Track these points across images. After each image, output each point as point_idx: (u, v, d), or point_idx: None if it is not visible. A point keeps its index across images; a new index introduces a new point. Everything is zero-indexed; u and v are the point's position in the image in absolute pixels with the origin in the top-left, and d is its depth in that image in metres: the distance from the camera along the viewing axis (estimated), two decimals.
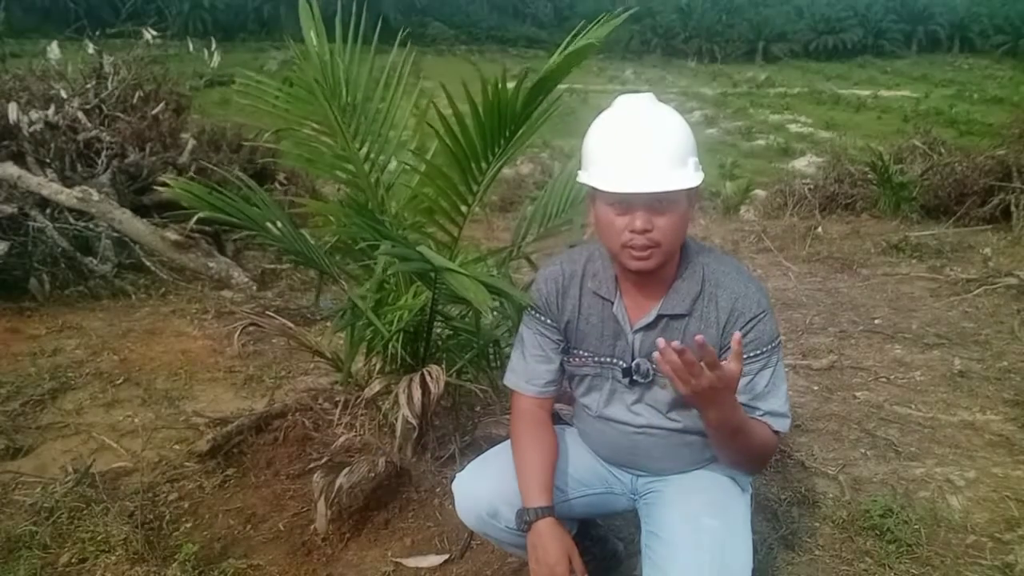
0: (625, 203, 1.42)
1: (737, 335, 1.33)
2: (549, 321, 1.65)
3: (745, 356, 1.49)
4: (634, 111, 1.45)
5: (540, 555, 1.50)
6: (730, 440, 1.48)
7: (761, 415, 1.52)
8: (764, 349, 1.51)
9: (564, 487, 1.68)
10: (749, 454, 1.53)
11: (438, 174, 2.07)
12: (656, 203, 1.40)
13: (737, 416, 1.43)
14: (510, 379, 1.72)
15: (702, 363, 1.29)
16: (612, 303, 1.57)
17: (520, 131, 1.96)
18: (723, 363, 1.32)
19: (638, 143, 1.41)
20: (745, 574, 1.46)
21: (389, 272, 2.17)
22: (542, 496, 1.55)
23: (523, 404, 1.69)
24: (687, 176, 1.41)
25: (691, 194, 1.45)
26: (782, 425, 1.54)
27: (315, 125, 2.38)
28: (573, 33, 1.94)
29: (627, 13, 1.88)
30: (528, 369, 1.68)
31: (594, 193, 1.47)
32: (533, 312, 1.67)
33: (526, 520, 1.53)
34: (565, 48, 1.86)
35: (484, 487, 1.65)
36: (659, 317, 1.53)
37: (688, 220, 1.48)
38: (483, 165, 2.02)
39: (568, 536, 1.54)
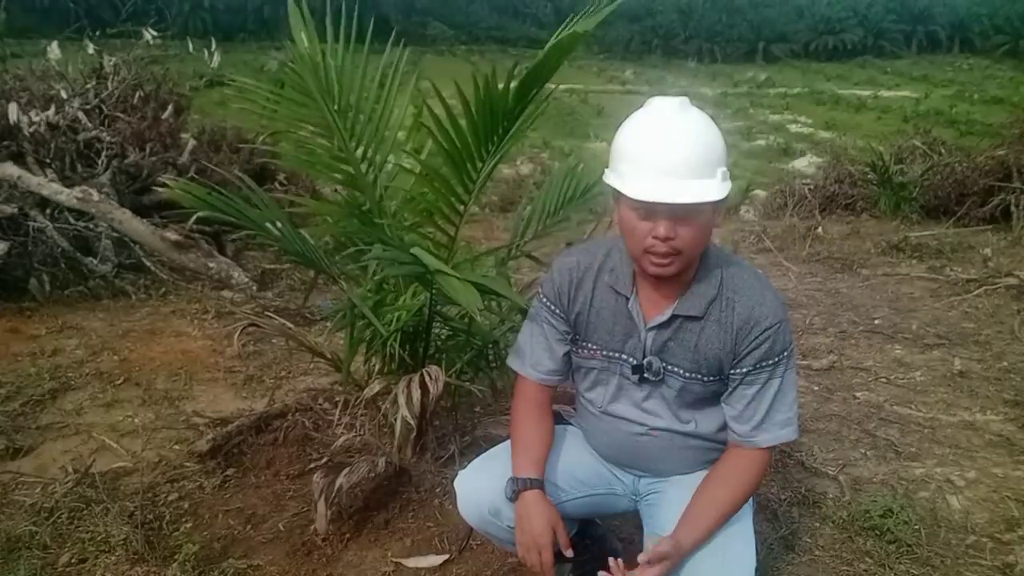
0: (649, 209, 1.40)
1: (651, 549, 1.44)
2: (558, 311, 1.65)
3: (755, 367, 1.51)
4: (666, 116, 1.42)
5: (525, 525, 1.54)
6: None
7: (755, 442, 1.53)
8: (775, 359, 1.52)
9: (566, 486, 1.69)
10: (742, 502, 1.56)
11: (434, 174, 2.06)
12: (680, 211, 1.39)
13: (708, 530, 1.49)
14: (514, 361, 1.74)
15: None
16: (628, 299, 1.58)
17: (514, 128, 1.94)
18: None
19: (667, 151, 1.38)
20: None
21: (380, 276, 2.17)
22: (533, 468, 1.58)
23: (525, 386, 1.72)
24: (714, 187, 1.39)
25: (717, 203, 1.44)
26: (788, 435, 1.55)
27: (311, 127, 2.37)
28: (562, 27, 1.89)
29: (614, 4, 1.84)
30: (533, 354, 1.70)
31: (618, 194, 1.46)
32: (544, 300, 1.67)
33: (515, 489, 1.56)
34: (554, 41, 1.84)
35: (487, 485, 1.65)
36: (673, 317, 1.54)
37: (712, 227, 1.47)
38: (478, 164, 2.00)
39: (554, 509, 1.56)
